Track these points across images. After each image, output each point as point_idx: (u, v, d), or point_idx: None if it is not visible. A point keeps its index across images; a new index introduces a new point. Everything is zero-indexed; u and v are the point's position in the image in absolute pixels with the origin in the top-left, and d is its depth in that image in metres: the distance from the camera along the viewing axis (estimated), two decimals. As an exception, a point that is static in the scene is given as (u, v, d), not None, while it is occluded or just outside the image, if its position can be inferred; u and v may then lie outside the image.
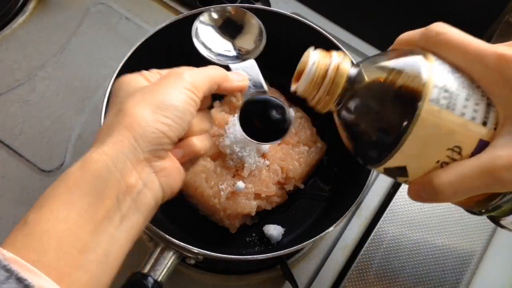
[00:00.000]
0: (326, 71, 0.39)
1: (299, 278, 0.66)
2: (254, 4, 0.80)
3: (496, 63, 0.33)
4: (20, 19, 0.82)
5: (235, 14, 0.53)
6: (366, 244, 0.69)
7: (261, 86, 0.51)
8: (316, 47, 0.42)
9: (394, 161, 0.36)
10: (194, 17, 0.63)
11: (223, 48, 0.52)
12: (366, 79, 0.38)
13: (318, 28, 0.65)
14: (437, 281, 0.67)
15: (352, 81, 0.39)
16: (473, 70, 0.35)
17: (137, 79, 0.42)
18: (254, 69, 0.51)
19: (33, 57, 0.79)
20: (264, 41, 0.53)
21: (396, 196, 0.72)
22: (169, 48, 0.63)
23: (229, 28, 0.53)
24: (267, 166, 0.64)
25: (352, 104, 0.39)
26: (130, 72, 0.58)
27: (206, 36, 0.52)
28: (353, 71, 0.39)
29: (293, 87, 0.42)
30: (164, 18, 0.84)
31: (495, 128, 0.34)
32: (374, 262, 0.68)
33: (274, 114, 0.52)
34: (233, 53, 0.53)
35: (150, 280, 0.50)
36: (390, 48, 0.41)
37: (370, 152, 0.38)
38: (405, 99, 0.35)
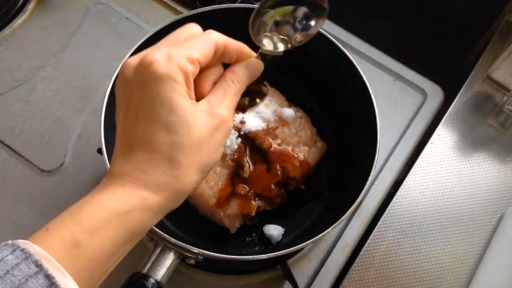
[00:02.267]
0: None
1: (299, 278, 0.66)
2: (254, 4, 0.80)
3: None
4: (20, 19, 0.82)
5: None
6: (366, 244, 0.69)
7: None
8: None
9: None
10: (194, 17, 0.63)
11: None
12: None
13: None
14: (436, 281, 0.67)
15: None
16: None
17: (176, 89, 0.36)
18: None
19: (33, 57, 0.79)
20: None
21: (396, 196, 0.72)
22: (169, 48, 0.63)
23: None
24: (268, 166, 0.64)
25: None
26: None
27: None
28: None
29: None
30: (164, 18, 0.84)
31: None
32: (374, 262, 0.68)
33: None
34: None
35: (150, 280, 0.50)
36: None
37: None
38: None
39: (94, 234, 0.33)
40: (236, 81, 0.40)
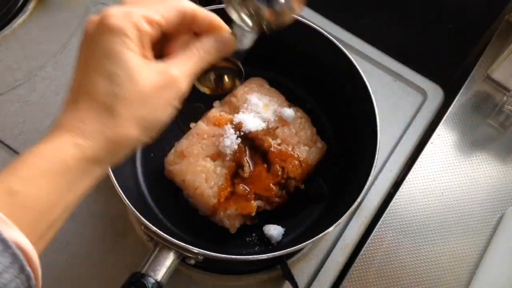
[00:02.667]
0: None
1: (299, 278, 0.66)
2: (254, 4, 0.80)
3: None
4: (20, 19, 0.82)
5: None
6: (366, 244, 0.69)
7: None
8: None
9: None
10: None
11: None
12: None
13: (318, 28, 0.65)
14: (436, 281, 0.67)
15: None
16: None
17: (126, 44, 0.36)
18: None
19: (33, 57, 0.79)
20: None
21: (396, 196, 0.72)
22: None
23: None
24: (268, 166, 0.64)
25: None
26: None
27: None
28: None
29: None
30: (164, 18, 0.84)
31: None
32: (374, 262, 0.68)
33: None
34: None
35: (150, 280, 0.50)
36: None
37: None
38: None
39: (30, 183, 0.33)
40: (201, 50, 0.40)
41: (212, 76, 0.43)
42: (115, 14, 0.36)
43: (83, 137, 0.35)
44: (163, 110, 0.38)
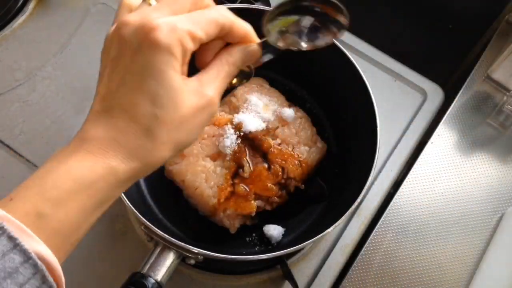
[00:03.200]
0: None
1: (299, 278, 0.66)
2: (254, 4, 0.80)
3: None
4: (20, 19, 0.82)
5: None
6: (366, 244, 0.69)
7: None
8: None
9: None
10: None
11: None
12: None
13: (318, 28, 0.65)
14: (436, 281, 0.67)
15: None
16: None
17: (171, 63, 0.34)
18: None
19: (33, 57, 0.79)
20: None
21: (396, 196, 0.72)
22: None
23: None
24: (268, 166, 0.64)
25: None
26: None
27: None
28: None
29: None
30: (164, 18, 0.84)
31: None
32: (374, 262, 0.68)
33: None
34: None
35: (150, 280, 0.50)
36: None
37: None
38: None
39: (59, 207, 0.32)
40: (231, 64, 0.39)
41: None
42: (162, 28, 0.33)
43: (117, 159, 0.34)
44: (197, 132, 0.38)
